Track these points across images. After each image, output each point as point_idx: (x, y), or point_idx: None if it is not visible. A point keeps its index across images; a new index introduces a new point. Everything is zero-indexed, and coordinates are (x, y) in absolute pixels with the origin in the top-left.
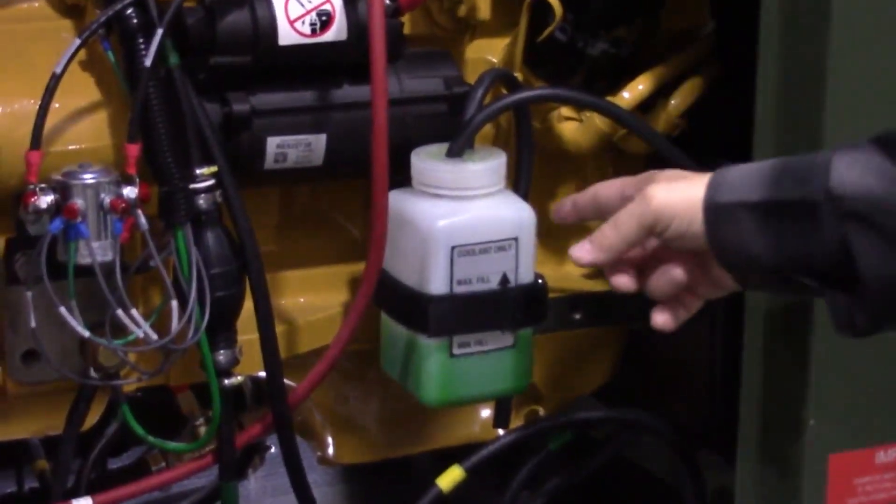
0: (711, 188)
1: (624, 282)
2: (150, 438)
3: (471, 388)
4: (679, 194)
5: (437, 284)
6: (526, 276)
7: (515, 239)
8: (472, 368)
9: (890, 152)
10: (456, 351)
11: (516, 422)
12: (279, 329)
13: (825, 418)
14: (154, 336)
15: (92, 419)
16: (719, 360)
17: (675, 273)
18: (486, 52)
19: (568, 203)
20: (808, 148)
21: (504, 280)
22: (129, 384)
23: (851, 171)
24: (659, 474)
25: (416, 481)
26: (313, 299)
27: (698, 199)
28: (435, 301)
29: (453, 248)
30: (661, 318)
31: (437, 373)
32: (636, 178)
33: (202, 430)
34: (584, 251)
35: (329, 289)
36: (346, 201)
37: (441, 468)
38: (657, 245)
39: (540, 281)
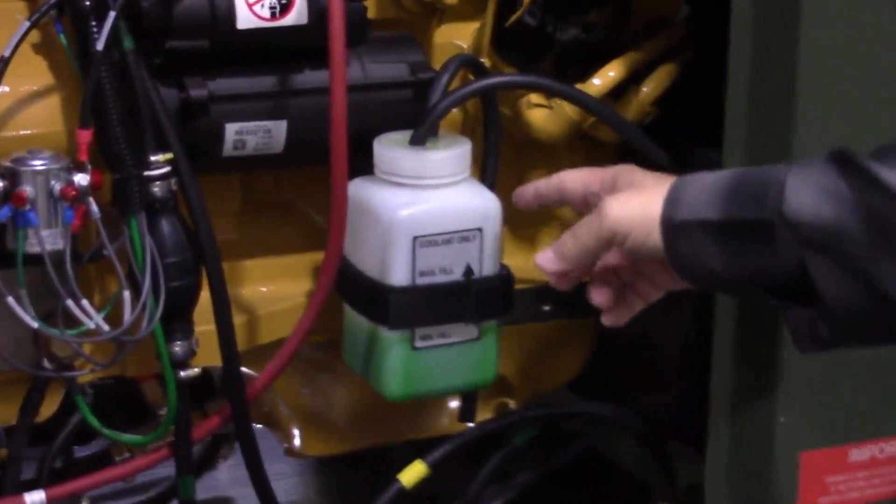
0: (669, 204)
1: (599, 299)
2: (105, 431)
3: (434, 382)
4: (635, 210)
5: (398, 275)
6: (491, 268)
7: (480, 229)
8: (435, 362)
9: (845, 171)
10: (418, 344)
11: (486, 414)
12: (239, 320)
13: (796, 415)
14: (106, 327)
15: (50, 409)
16: (691, 351)
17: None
18: (455, 37)
19: (531, 189)
20: (780, 136)
21: (468, 271)
22: (83, 375)
23: (805, 194)
24: (630, 468)
25: (394, 472)
26: (275, 289)
27: (655, 214)
28: (396, 292)
29: (415, 238)
30: (597, 297)
31: (399, 366)
32: (602, 174)
33: None
34: (546, 259)
35: (292, 278)
36: (311, 188)
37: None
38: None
39: (505, 273)
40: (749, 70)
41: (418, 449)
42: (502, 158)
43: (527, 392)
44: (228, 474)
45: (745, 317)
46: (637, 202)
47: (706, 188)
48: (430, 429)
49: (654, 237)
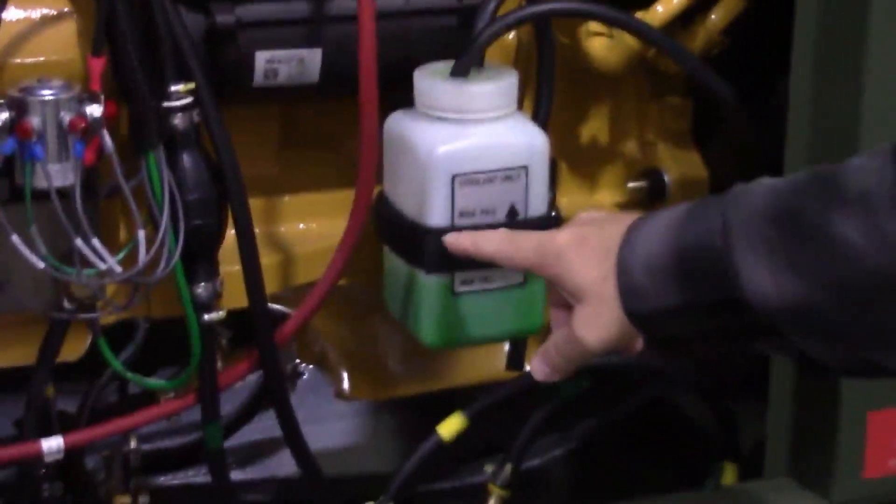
0: (627, 299)
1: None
2: (128, 374)
3: (476, 330)
4: (610, 331)
5: (436, 216)
6: (538, 209)
7: (525, 168)
8: (476, 308)
9: (796, 232)
10: (459, 289)
11: None
12: (275, 259)
13: None
14: (118, 269)
15: (76, 350)
16: None
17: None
18: None
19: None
20: (848, 65)
21: (512, 212)
22: (102, 317)
23: (760, 274)
24: (697, 420)
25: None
26: (316, 227)
27: (622, 323)
28: (433, 234)
29: (454, 176)
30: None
31: (438, 312)
32: (525, 259)
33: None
34: (542, 374)
35: (334, 215)
36: (355, 120)
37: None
38: None
39: (554, 214)
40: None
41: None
42: (560, 90)
43: None
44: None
45: None
46: (606, 318)
47: (655, 271)
48: (485, 373)
49: (631, 336)
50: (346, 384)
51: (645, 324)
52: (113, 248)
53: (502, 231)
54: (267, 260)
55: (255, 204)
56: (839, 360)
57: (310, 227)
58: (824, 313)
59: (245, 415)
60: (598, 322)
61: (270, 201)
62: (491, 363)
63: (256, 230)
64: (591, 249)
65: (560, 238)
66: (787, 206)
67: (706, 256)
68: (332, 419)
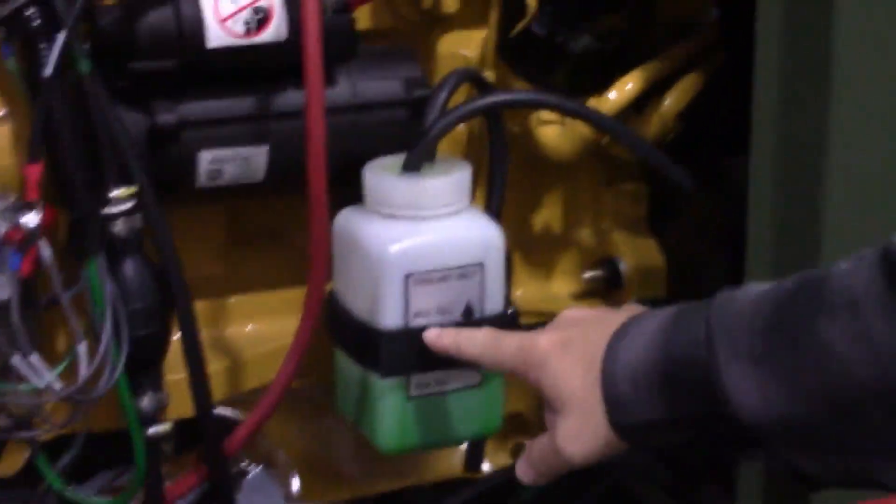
0: (611, 410)
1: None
2: (69, 493)
3: (432, 434)
4: (593, 443)
5: (390, 318)
6: (494, 306)
7: (481, 265)
8: (433, 411)
9: (785, 342)
10: (414, 392)
11: (501, 455)
12: (223, 364)
13: None
14: (57, 385)
15: (13, 466)
16: None
17: None
18: (460, 47)
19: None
20: (812, 143)
21: (468, 311)
22: (40, 434)
23: (747, 388)
24: None
25: None
26: (264, 328)
27: (609, 435)
28: (388, 336)
29: (408, 276)
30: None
31: (393, 417)
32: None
33: None
34: (524, 475)
35: (282, 315)
36: (302, 217)
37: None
38: None
39: (510, 311)
40: (778, 74)
41: (433, 491)
42: (513, 179)
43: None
44: None
45: None
46: (590, 431)
47: (640, 383)
48: (441, 472)
49: (616, 447)
50: (295, 486)
51: (630, 435)
52: (54, 358)
53: (486, 331)
54: (215, 365)
55: (202, 306)
56: (831, 473)
57: (259, 328)
58: (813, 426)
59: None
60: (582, 436)
61: (217, 303)
62: (447, 462)
63: (203, 334)
64: (575, 356)
65: (543, 342)
66: (773, 315)
67: (691, 368)
68: None
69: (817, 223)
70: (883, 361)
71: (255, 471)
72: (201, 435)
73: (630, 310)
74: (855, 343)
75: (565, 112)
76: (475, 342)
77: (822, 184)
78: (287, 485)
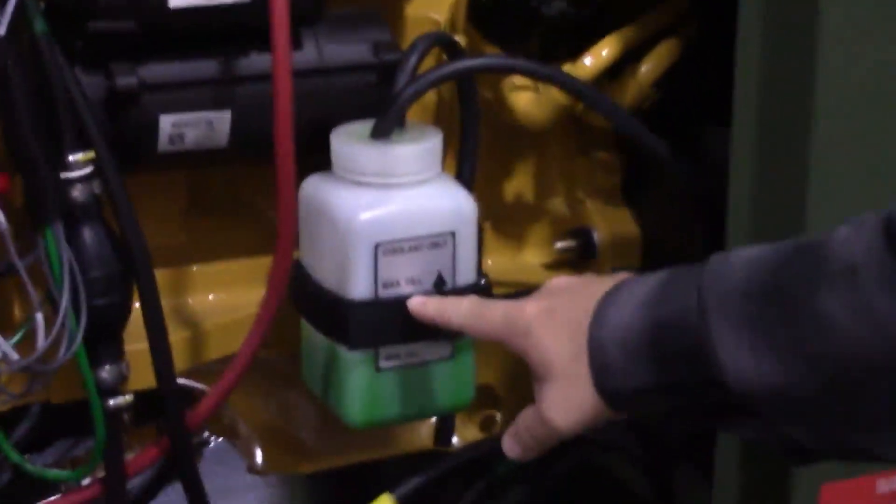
0: (598, 375)
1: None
2: (28, 466)
3: (402, 407)
4: (579, 413)
5: (358, 288)
6: (466, 276)
7: (452, 233)
8: (402, 384)
9: (784, 310)
10: (383, 364)
11: (470, 429)
12: (184, 334)
13: None
14: (14, 355)
15: None
16: None
17: None
18: (430, 10)
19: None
20: (794, 118)
21: (439, 281)
22: None
23: (741, 356)
24: (631, 486)
25: (382, 487)
26: (227, 298)
27: (595, 402)
28: (356, 307)
29: (377, 245)
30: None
31: (361, 390)
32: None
33: None
34: (510, 450)
35: (246, 285)
36: (267, 183)
37: (412, 467)
38: None
39: (483, 281)
40: (760, 42)
41: (401, 465)
42: (485, 145)
43: (516, 403)
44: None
45: None
46: (577, 399)
47: (629, 349)
48: (409, 445)
49: (604, 415)
50: (258, 458)
51: (618, 402)
52: (9, 329)
53: (470, 299)
54: (176, 335)
55: (163, 275)
56: (826, 445)
57: (220, 298)
58: (810, 397)
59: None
60: (568, 403)
61: (178, 272)
62: (415, 434)
63: (164, 303)
64: (561, 323)
65: (528, 310)
66: (769, 282)
67: (682, 334)
68: (241, 491)
69: (800, 193)
70: (888, 335)
71: (216, 442)
72: (162, 406)
73: (618, 276)
74: (857, 316)
75: (539, 78)
76: (460, 310)
77: (805, 152)
78: (250, 457)
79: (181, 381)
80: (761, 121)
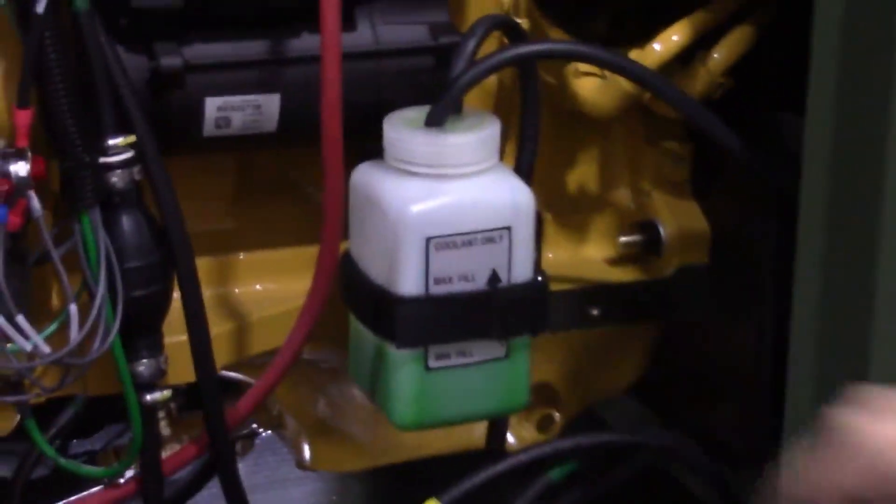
0: None
1: None
2: (61, 461)
3: (452, 409)
4: None
5: (407, 284)
6: (522, 274)
7: (508, 228)
8: (453, 385)
9: None
10: (433, 364)
11: (527, 428)
12: (229, 326)
13: None
14: (46, 349)
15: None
16: (767, 368)
17: None
18: None
19: None
20: (872, 108)
21: (494, 278)
22: (28, 399)
23: None
24: (695, 491)
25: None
26: (276, 288)
27: None
28: (405, 304)
29: (429, 239)
30: None
31: (410, 390)
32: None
33: (162, 424)
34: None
35: (295, 275)
36: (319, 170)
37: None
38: None
39: (540, 279)
40: (838, 28)
41: (454, 464)
42: (547, 133)
43: (576, 402)
44: (246, 472)
45: (826, 336)
46: None
47: None
48: (460, 443)
49: None
50: (307, 455)
51: None
52: (46, 318)
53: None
54: (220, 328)
55: (208, 264)
56: None
57: (269, 288)
58: None
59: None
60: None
61: (225, 260)
62: (467, 432)
63: (209, 293)
64: None
65: None
66: None
67: None
68: (293, 483)
69: (878, 188)
70: None
71: (265, 434)
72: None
73: None
74: None
75: (603, 65)
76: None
77: (883, 144)
78: (298, 452)
79: (226, 373)
80: (837, 111)
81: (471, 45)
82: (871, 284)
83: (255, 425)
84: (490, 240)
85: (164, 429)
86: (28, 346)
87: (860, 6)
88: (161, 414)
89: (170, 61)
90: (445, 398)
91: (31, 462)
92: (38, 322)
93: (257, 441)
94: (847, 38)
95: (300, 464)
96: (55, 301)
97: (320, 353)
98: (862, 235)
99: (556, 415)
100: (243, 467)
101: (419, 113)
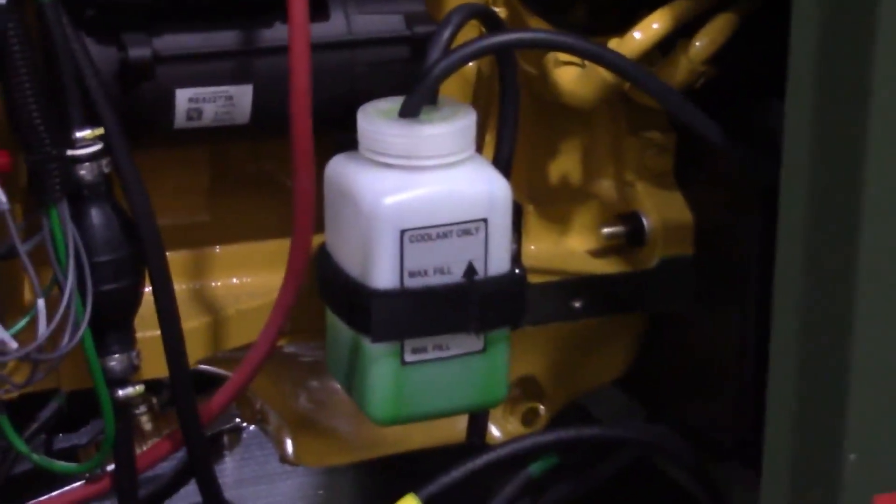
0: None
1: None
2: (34, 457)
3: (429, 403)
4: None
5: (382, 277)
6: (498, 266)
7: (484, 220)
8: (430, 379)
9: None
10: (409, 357)
11: (512, 422)
12: (206, 319)
13: (870, 452)
14: (13, 344)
15: None
16: (750, 360)
17: None
18: None
19: None
20: (851, 99)
21: (470, 271)
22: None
23: None
24: (682, 482)
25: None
26: (253, 281)
27: None
28: (379, 297)
29: (403, 231)
30: None
31: (386, 385)
32: None
33: (143, 419)
34: None
35: (272, 268)
36: None
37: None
38: None
39: (518, 271)
40: (817, 14)
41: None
42: (527, 125)
43: (561, 396)
44: (234, 466)
45: (809, 327)
46: None
47: None
48: (444, 437)
49: None
50: (289, 449)
51: None
52: (19, 312)
53: None
54: (196, 321)
55: (184, 257)
56: None
57: (246, 282)
58: None
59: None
60: None
61: (201, 253)
62: (451, 426)
63: (185, 286)
64: None
65: None
66: None
67: None
68: (280, 478)
69: (858, 178)
70: None
71: (252, 429)
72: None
73: None
74: None
75: (580, 54)
76: None
77: (864, 135)
78: (281, 447)
79: (202, 367)
80: (817, 101)
81: (446, 34)
82: (853, 277)
83: (238, 419)
84: (466, 232)
85: (146, 424)
86: None
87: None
88: (143, 409)
89: (139, 52)
90: (422, 392)
91: (12, 458)
92: (10, 317)
93: (244, 435)
94: (826, 29)
95: (283, 458)
96: (28, 295)
97: (301, 346)
98: (843, 227)
99: (542, 408)
100: (230, 462)
101: (394, 104)
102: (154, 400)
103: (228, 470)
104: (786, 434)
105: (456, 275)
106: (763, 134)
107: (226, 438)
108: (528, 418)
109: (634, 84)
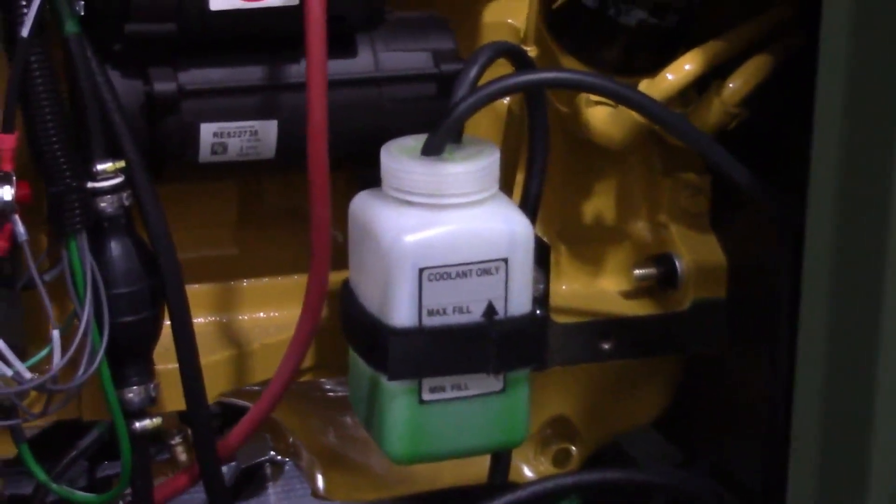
0: None
1: None
2: (53, 486)
3: (447, 443)
4: None
5: (400, 315)
6: (519, 307)
7: (505, 260)
8: (448, 418)
9: None
10: (427, 396)
11: (543, 462)
12: (231, 353)
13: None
14: (27, 375)
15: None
16: (780, 404)
17: None
18: (509, 15)
19: None
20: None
21: (489, 310)
22: (19, 424)
23: None
24: None
25: None
26: (277, 315)
27: None
28: (397, 335)
29: (422, 269)
30: None
31: (403, 423)
32: None
33: (179, 449)
34: None
35: (298, 302)
36: None
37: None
38: None
39: (538, 312)
40: (845, 61)
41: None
42: (560, 164)
43: (594, 437)
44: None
45: (834, 374)
46: None
47: None
48: (475, 475)
49: None
50: (320, 484)
51: None
52: (42, 344)
53: None
54: (221, 355)
55: (211, 290)
56: None
57: (272, 316)
58: None
59: None
60: None
61: (228, 287)
62: (481, 464)
63: (211, 319)
64: None
65: None
66: None
67: None
68: None
69: (884, 220)
70: None
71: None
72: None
73: None
74: None
75: (607, 94)
76: None
77: (890, 178)
78: (312, 481)
79: (225, 399)
80: (843, 147)
81: (473, 72)
82: (877, 319)
83: (272, 452)
84: (486, 271)
85: (182, 454)
86: (9, 372)
87: (867, 28)
88: (178, 439)
89: (164, 86)
90: (440, 432)
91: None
92: (35, 346)
93: (286, 468)
94: (854, 72)
95: (315, 493)
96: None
97: (331, 381)
98: (868, 270)
99: (573, 449)
100: (273, 493)
101: (417, 142)
102: (189, 431)
103: (271, 500)
104: (808, 481)
105: (475, 314)
106: (793, 177)
107: (269, 469)
108: (560, 459)
109: (661, 126)
